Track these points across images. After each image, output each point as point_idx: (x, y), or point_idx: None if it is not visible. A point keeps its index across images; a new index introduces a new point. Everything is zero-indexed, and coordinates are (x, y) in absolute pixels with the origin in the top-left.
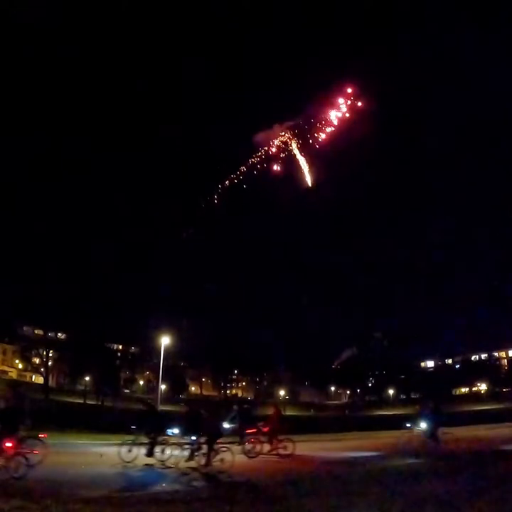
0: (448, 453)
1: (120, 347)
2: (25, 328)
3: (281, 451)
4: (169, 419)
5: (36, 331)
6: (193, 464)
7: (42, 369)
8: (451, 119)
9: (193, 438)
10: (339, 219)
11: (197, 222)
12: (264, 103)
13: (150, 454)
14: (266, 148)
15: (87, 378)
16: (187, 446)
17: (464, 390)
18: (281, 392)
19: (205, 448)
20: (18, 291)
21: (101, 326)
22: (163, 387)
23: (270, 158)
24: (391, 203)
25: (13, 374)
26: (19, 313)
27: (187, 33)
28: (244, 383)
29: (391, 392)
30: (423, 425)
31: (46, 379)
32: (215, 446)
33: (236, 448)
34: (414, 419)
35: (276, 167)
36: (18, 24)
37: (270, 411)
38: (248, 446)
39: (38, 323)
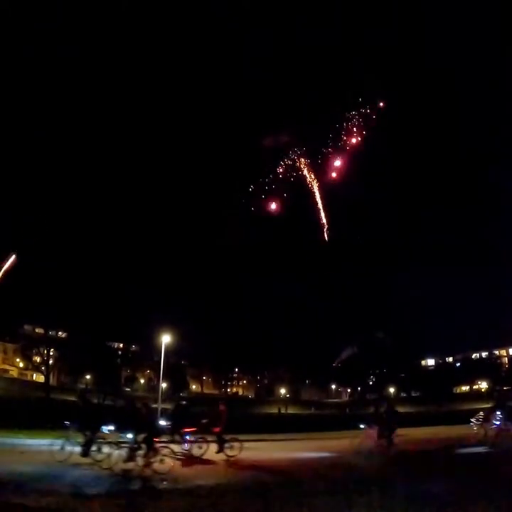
0: (398, 456)
1: (121, 345)
2: (25, 326)
3: (228, 452)
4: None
5: (37, 330)
6: (131, 465)
7: (43, 367)
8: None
9: (130, 436)
10: (341, 221)
11: (198, 223)
12: (267, 112)
13: (85, 453)
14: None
15: (88, 377)
16: (126, 445)
17: (465, 388)
18: (282, 391)
19: (144, 447)
20: (19, 289)
21: (102, 324)
22: (164, 385)
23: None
24: (393, 202)
25: (13, 372)
26: (20, 312)
27: (187, 32)
28: (244, 381)
29: (392, 390)
30: (376, 426)
31: (47, 377)
32: (155, 446)
33: (179, 448)
34: (368, 420)
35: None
36: (18, 24)
37: (219, 408)
38: (195, 446)
39: (39, 322)
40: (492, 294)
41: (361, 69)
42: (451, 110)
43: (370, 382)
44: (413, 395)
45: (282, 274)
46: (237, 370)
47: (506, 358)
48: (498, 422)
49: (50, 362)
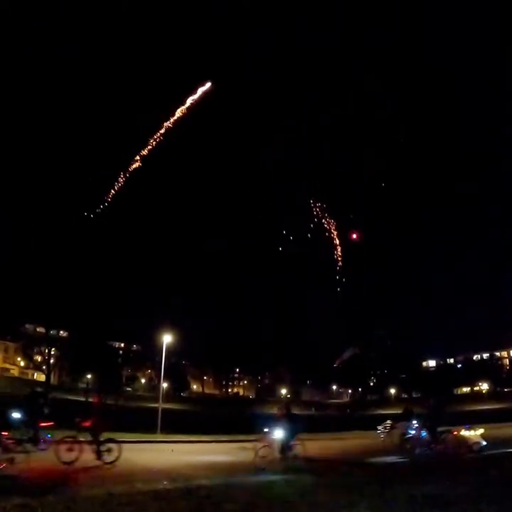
0: (294, 464)
1: (122, 345)
2: (27, 325)
3: (105, 457)
4: None
5: (38, 329)
6: None
7: (44, 366)
8: None
9: None
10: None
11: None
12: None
13: None
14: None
15: (89, 376)
16: None
17: (466, 389)
18: (283, 391)
19: None
20: (20, 288)
21: (103, 323)
22: (165, 385)
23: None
24: (393, 202)
25: (14, 371)
26: (21, 311)
27: (187, 32)
28: (245, 382)
29: (393, 391)
30: (279, 433)
31: (48, 376)
32: (4, 442)
33: (34, 447)
34: (272, 424)
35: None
36: (18, 24)
37: (92, 399)
38: (62, 448)
39: (40, 321)
40: (493, 295)
41: (361, 69)
42: (451, 110)
43: (371, 383)
44: (414, 395)
45: (283, 275)
46: (237, 370)
47: (507, 360)
48: (413, 431)
49: (51, 361)
